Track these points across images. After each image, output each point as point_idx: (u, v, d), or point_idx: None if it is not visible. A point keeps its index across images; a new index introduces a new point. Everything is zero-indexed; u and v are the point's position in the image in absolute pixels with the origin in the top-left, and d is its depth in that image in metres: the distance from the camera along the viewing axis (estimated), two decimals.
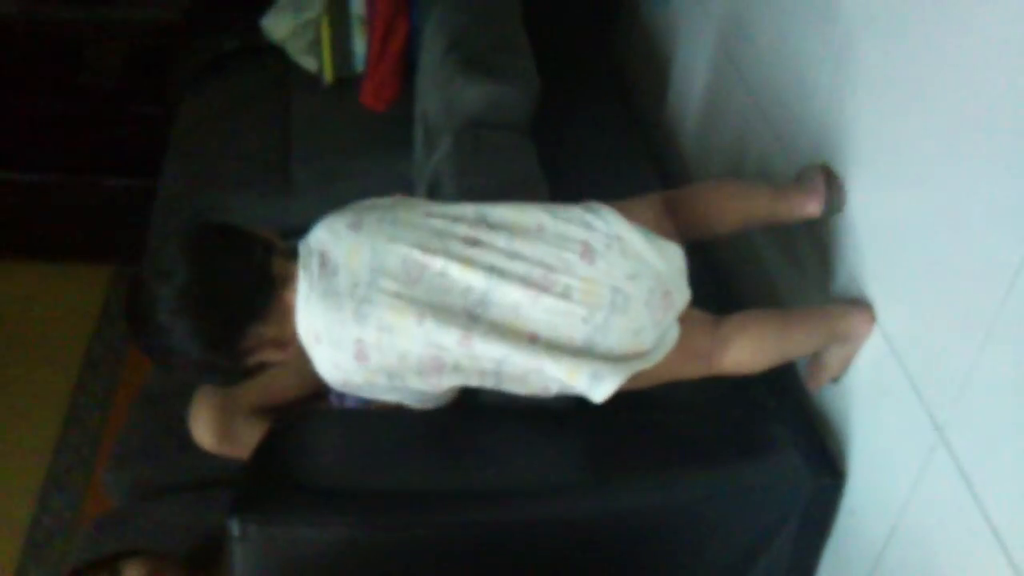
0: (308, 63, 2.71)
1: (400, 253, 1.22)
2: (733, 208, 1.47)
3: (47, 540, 2.43)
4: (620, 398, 1.23)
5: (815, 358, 1.40)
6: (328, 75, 2.64)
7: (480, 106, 1.78)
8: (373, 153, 2.35)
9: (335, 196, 2.33)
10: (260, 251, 1.24)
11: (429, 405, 1.34)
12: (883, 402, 1.29)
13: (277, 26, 2.75)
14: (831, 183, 1.38)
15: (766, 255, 1.67)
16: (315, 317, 1.22)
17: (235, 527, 1.18)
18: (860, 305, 1.33)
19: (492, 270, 1.21)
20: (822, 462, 1.39)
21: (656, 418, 1.43)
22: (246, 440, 1.50)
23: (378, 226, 1.25)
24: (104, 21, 3.02)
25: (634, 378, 1.23)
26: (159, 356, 1.24)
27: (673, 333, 1.28)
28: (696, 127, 2.04)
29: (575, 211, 1.27)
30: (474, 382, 1.25)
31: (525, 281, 1.20)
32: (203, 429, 1.55)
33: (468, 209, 1.28)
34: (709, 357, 1.30)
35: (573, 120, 1.98)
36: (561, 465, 1.37)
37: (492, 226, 1.25)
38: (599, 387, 1.22)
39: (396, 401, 1.32)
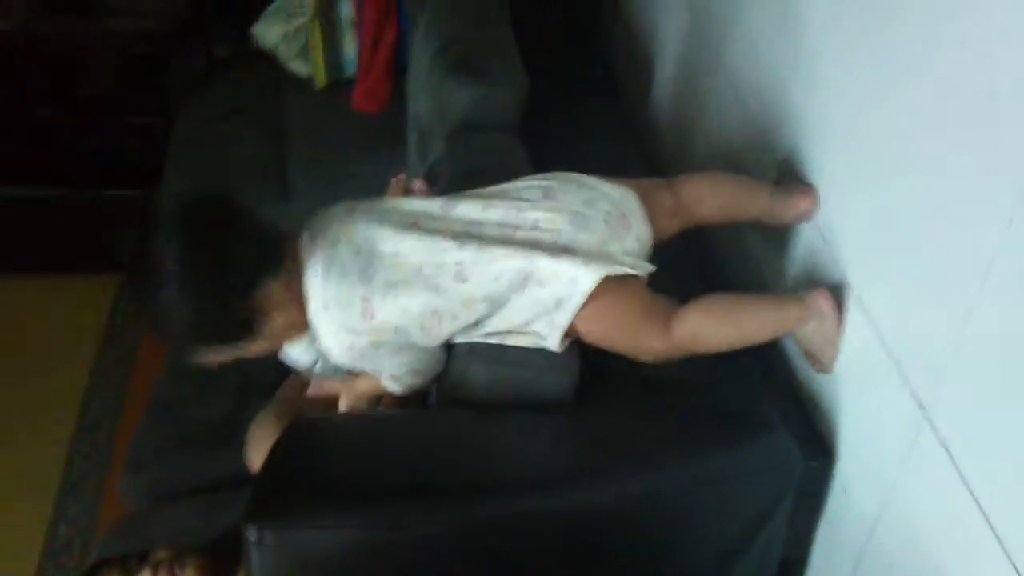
0: (300, 68, 2.75)
1: (391, 221, 1.38)
2: (727, 200, 1.53)
3: (65, 547, 2.47)
4: (607, 384, 1.27)
5: (801, 349, 1.43)
6: (320, 80, 2.68)
7: (469, 108, 1.82)
8: (369, 155, 2.38)
9: (333, 199, 2.38)
10: (264, 221, 1.36)
11: (425, 375, 1.43)
12: (870, 384, 1.33)
13: (268, 32, 2.78)
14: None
15: (749, 244, 1.71)
16: (324, 283, 1.34)
17: (252, 532, 1.20)
18: (818, 286, 1.38)
19: (469, 221, 1.38)
20: (813, 443, 1.42)
21: (648, 406, 1.47)
22: None
23: (367, 213, 1.40)
24: (99, 32, 3.04)
25: (599, 319, 1.34)
26: (166, 318, 1.31)
27: (645, 265, 1.40)
28: (680, 123, 2.07)
29: (533, 176, 1.47)
30: (470, 319, 1.37)
31: (499, 224, 1.37)
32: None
33: (438, 199, 1.44)
34: (667, 323, 1.36)
35: (563, 119, 2.01)
36: (562, 456, 1.40)
37: (460, 202, 1.42)
38: (587, 273, 1.32)
39: (396, 371, 1.40)
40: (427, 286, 1.34)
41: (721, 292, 1.42)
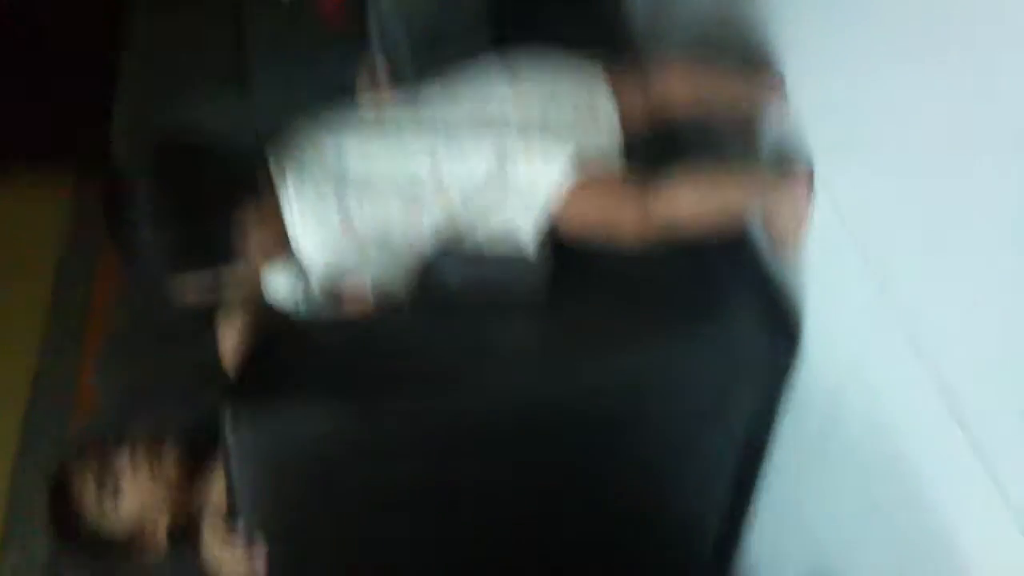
0: None
1: (355, 122, 1.38)
2: (698, 88, 1.52)
3: (41, 436, 2.49)
4: (576, 277, 1.28)
5: (766, 231, 1.45)
6: None
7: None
8: (330, 56, 2.32)
9: (295, 100, 2.32)
10: (235, 153, 1.35)
11: (406, 275, 1.43)
12: (833, 264, 1.35)
13: None
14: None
15: (717, 134, 1.71)
16: (300, 203, 1.32)
17: (228, 419, 1.23)
18: (796, 166, 1.39)
19: (436, 121, 1.37)
20: (778, 324, 1.45)
21: (616, 295, 1.49)
22: None
23: (332, 127, 1.39)
24: None
25: (580, 212, 1.35)
26: (143, 252, 1.31)
27: (616, 147, 1.41)
28: (653, 14, 2.04)
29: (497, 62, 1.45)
30: (448, 216, 1.36)
31: (468, 119, 1.36)
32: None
33: (403, 96, 1.44)
34: (645, 201, 1.38)
35: (531, 8, 1.97)
36: (531, 346, 1.43)
37: (426, 98, 1.41)
38: (559, 161, 1.33)
39: (382, 278, 1.41)
40: (401, 191, 1.34)
41: (697, 167, 1.43)
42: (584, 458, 1.47)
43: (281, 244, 1.38)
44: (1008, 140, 0.97)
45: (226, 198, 1.31)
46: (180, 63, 2.49)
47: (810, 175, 1.37)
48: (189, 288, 1.37)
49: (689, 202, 1.39)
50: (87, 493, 1.45)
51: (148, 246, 1.29)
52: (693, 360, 1.42)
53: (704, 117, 1.62)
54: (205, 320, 1.65)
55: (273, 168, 1.35)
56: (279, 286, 1.50)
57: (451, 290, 1.44)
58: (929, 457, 1.17)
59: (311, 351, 1.40)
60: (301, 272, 1.47)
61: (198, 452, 1.53)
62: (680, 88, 1.51)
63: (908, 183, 1.16)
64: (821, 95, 1.37)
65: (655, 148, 1.52)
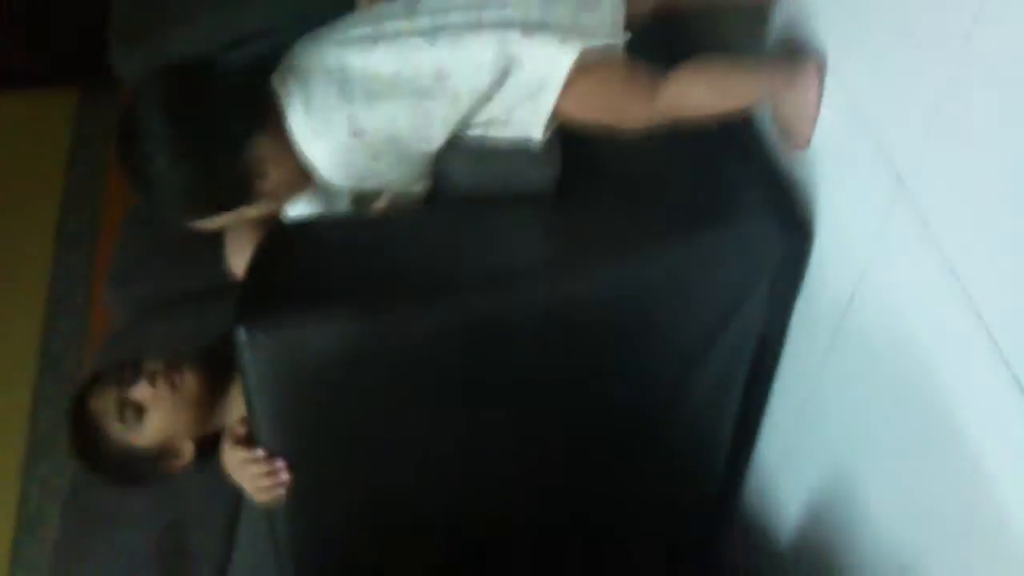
0: None
1: (355, 33, 1.36)
2: None
3: (60, 358, 2.53)
4: (586, 176, 1.26)
5: (775, 124, 1.42)
6: None
7: None
8: None
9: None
10: (241, 76, 1.33)
11: (421, 180, 1.42)
12: (847, 159, 1.32)
13: None
14: None
15: (724, 23, 1.66)
16: (307, 116, 1.31)
17: (242, 335, 1.22)
18: (807, 54, 1.35)
19: (433, 11, 1.34)
20: (790, 222, 1.43)
21: (626, 196, 1.47)
22: None
23: (330, 38, 1.37)
24: None
25: (586, 102, 1.34)
26: (160, 194, 1.31)
27: (621, 34, 1.37)
28: None
29: None
30: (459, 114, 1.35)
31: (465, 7, 1.33)
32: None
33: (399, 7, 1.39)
34: (654, 89, 1.35)
35: None
36: (541, 247, 1.42)
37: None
38: (565, 51, 1.30)
39: (401, 181, 1.41)
40: (409, 90, 1.32)
41: (707, 57, 1.39)
42: (595, 364, 1.47)
43: (300, 177, 1.36)
44: None
45: (240, 129, 1.29)
46: None
47: (821, 64, 1.34)
48: (211, 225, 1.37)
49: (697, 92, 1.36)
50: (109, 421, 1.46)
51: (165, 185, 1.29)
52: (704, 262, 1.40)
53: (710, 7, 1.58)
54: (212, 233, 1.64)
55: (278, 86, 1.33)
56: (302, 211, 1.49)
57: (459, 186, 1.43)
58: (944, 349, 1.16)
59: (321, 258, 1.39)
60: (323, 201, 1.46)
61: (218, 365, 1.54)
62: None
63: (923, 68, 1.13)
64: None
65: (660, 41, 1.48)
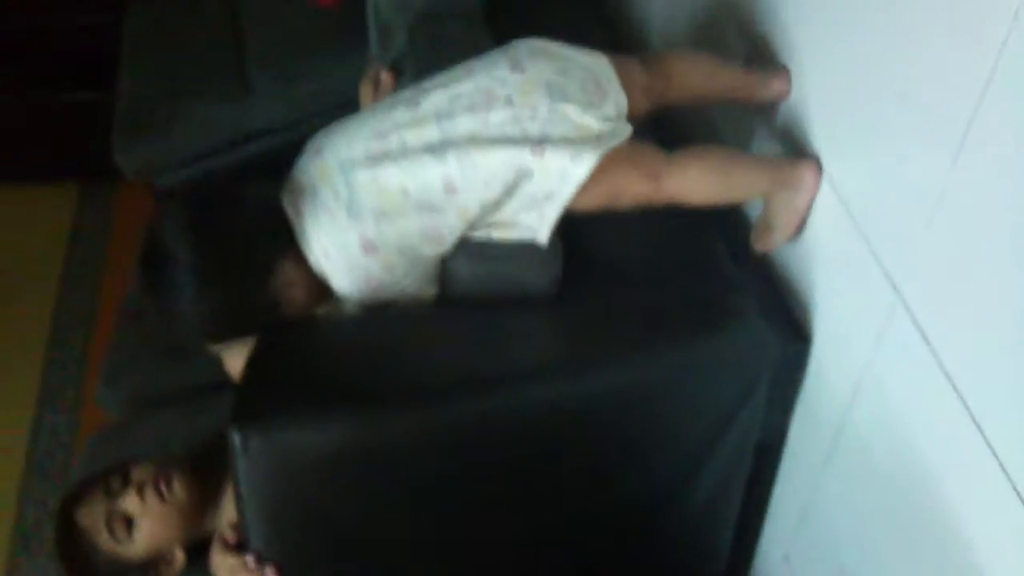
0: None
1: (360, 148, 1.34)
2: (701, 77, 1.50)
3: (48, 457, 2.49)
4: (584, 277, 1.27)
5: (763, 217, 1.43)
6: None
7: None
8: (329, 51, 2.31)
9: (295, 97, 2.32)
10: (262, 201, 1.34)
11: (435, 284, 1.43)
12: (842, 264, 1.34)
13: None
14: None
15: (718, 122, 1.69)
16: (317, 233, 1.32)
17: (236, 438, 1.19)
18: (807, 156, 1.37)
19: (439, 116, 1.32)
20: (788, 327, 1.44)
21: (625, 298, 1.47)
22: None
23: (335, 139, 1.37)
24: None
25: (588, 189, 1.31)
26: (189, 325, 1.32)
27: (624, 127, 1.35)
28: (661, 18, 2.03)
29: (496, 50, 1.40)
30: (467, 224, 1.35)
31: (471, 109, 1.31)
32: None
33: (403, 92, 1.40)
34: (658, 177, 1.35)
35: (529, 4, 1.96)
36: (541, 351, 1.42)
37: (427, 90, 1.36)
38: (575, 166, 1.29)
39: (415, 286, 1.40)
40: (418, 206, 1.32)
41: (716, 146, 1.41)
42: (594, 468, 1.45)
43: (319, 294, 1.37)
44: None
45: (266, 255, 1.30)
46: (177, 61, 2.47)
47: (819, 166, 1.35)
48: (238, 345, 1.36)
49: (703, 181, 1.37)
50: (98, 534, 1.43)
51: (193, 312, 1.29)
52: (703, 368, 1.39)
53: (707, 104, 1.60)
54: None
55: (288, 207, 1.34)
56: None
57: (461, 286, 1.43)
58: (945, 456, 1.16)
59: (318, 359, 1.37)
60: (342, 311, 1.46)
61: (207, 471, 1.51)
62: (683, 75, 1.48)
63: (916, 178, 1.14)
64: (826, 84, 1.35)
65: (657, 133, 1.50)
